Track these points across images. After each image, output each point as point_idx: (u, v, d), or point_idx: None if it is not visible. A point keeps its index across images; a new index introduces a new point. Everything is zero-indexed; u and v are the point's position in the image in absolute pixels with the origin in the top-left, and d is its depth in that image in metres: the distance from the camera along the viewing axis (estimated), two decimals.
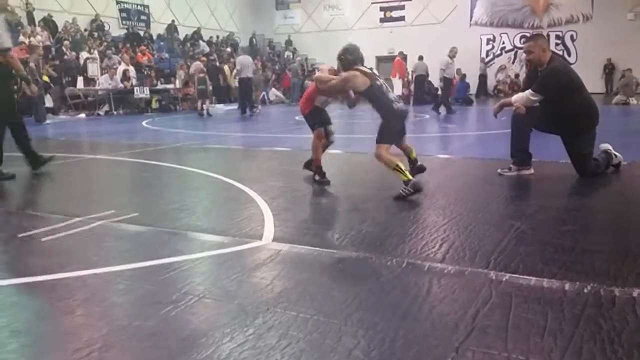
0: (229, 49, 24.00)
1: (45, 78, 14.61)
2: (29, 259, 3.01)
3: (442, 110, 14.00)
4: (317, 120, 5.00)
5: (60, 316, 2.24)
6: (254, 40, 27.01)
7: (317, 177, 4.88)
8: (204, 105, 15.02)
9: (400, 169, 4.16)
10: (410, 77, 20.34)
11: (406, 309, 2.22)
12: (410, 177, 4.16)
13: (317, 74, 4.88)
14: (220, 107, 17.23)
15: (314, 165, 4.94)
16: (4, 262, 2.95)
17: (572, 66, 5.66)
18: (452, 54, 14.01)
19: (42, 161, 5.76)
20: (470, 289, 2.40)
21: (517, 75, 22.51)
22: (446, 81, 14.07)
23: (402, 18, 25.45)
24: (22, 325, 2.20)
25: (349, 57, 4.46)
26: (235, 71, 16.58)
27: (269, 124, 13.31)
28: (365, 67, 4.50)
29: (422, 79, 19.09)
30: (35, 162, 5.71)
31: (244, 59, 15.22)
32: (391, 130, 4.41)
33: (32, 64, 13.00)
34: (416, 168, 4.81)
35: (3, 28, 5.64)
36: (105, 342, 1.99)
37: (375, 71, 4.57)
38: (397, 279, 2.56)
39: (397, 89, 19.41)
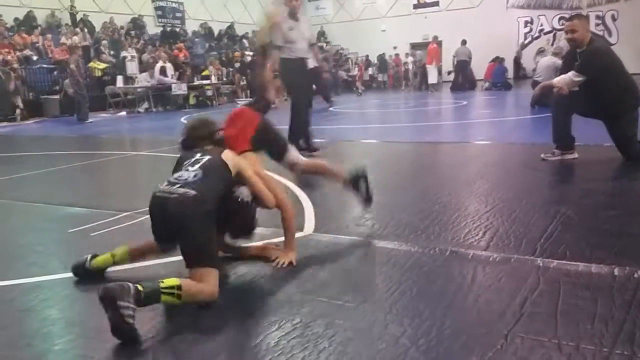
0: None
1: None
2: (79, 253, 3.10)
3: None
4: None
5: None
6: None
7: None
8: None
9: None
10: (452, 62, 19.98)
11: (451, 297, 2.21)
12: None
13: None
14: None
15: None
16: (56, 257, 3.05)
17: (613, 47, 5.50)
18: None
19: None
20: (517, 277, 2.37)
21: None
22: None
23: (436, 3, 25.09)
24: (77, 317, 2.29)
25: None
26: None
27: None
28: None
29: (464, 65, 18.71)
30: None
31: None
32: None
33: (72, 66, 13.30)
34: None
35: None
36: (158, 331, 2.05)
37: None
38: (441, 268, 2.55)
39: (432, 76, 19.14)
